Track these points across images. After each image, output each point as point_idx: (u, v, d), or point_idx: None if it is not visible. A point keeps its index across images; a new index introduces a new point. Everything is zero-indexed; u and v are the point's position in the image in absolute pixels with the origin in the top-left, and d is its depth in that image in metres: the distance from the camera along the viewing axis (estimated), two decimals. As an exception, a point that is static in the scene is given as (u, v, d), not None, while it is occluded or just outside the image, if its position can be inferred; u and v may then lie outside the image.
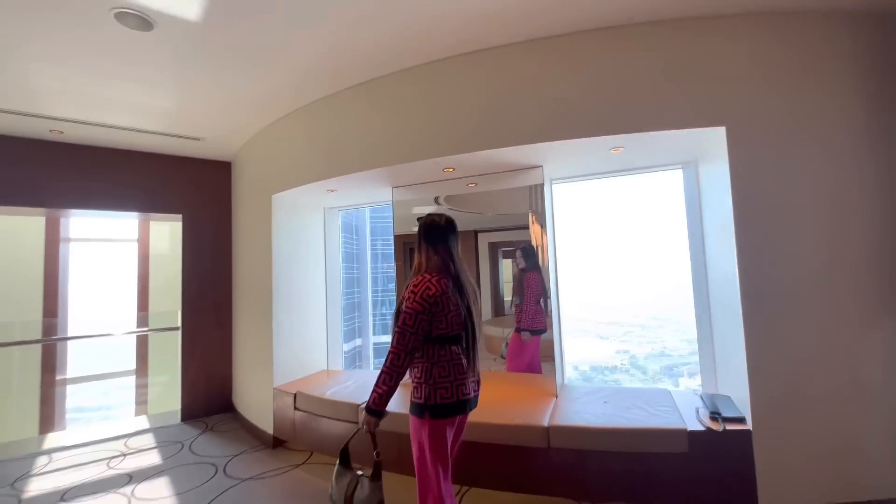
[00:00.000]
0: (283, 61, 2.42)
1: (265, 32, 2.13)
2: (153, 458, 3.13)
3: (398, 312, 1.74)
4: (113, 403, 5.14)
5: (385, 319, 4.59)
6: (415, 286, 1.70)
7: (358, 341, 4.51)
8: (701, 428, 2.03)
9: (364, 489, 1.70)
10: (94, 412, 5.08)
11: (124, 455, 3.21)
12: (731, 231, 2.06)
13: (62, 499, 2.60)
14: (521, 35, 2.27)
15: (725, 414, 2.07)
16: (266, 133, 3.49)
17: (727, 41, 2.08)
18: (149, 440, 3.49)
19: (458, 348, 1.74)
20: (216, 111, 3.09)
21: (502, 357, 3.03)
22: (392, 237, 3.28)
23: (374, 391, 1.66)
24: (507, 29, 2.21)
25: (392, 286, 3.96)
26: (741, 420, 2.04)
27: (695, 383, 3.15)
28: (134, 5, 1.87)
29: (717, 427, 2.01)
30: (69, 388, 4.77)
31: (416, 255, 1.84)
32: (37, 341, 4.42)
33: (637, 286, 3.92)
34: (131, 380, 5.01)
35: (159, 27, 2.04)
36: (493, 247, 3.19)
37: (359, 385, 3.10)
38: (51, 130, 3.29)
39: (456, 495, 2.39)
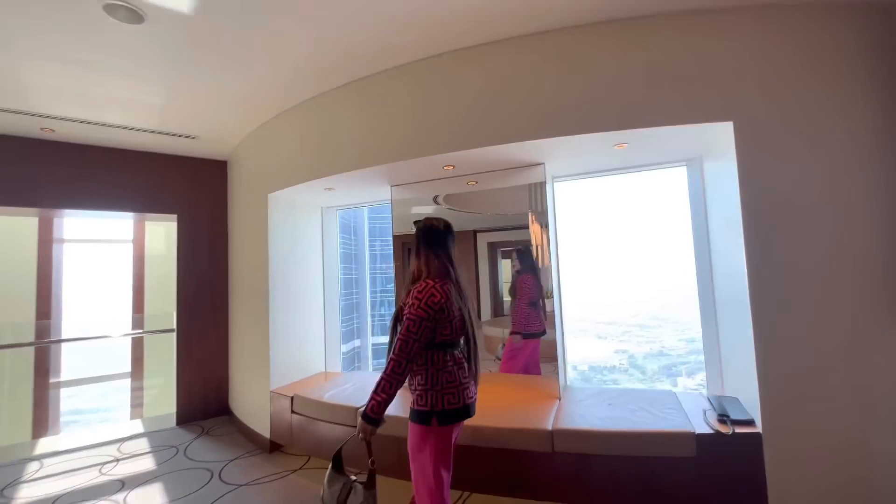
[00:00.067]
0: (274, 56, 2.37)
1: (256, 23, 2.07)
2: (147, 464, 3.06)
3: (398, 318, 1.70)
4: (110, 406, 5.07)
5: (384, 320, 4.54)
6: (419, 293, 1.65)
7: (356, 342, 4.46)
8: (709, 431, 1.97)
9: (358, 496, 1.67)
10: (91, 415, 5.01)
11: (117, 460, 3.14)
12: (739, 228, 2.00)
13: (52, 506, 2.53)
14: (520, 30, 2.22)
15: (734, 416, 2.02)
16: (261, 131, 3.43)
17: (734, 35, 2.03)
18: (143, 445, 3.42)
19: (461, 353, 1.73)
20: (209, 107, 3.02)
21: (497, 358, 2.99)
22: (391, 237, 3.23)
23: (372, 398, 1.61)
24: (505, 25, 2.16)
25: (391, 287, 3.90)
26: (750, 422, 1.99)
27: (693, 383, 3.10)
28: (123, -4, 1.81)
29: (727, 430, 1.95)
30: (64, 392, 4.70)
31: (413, 260, 1.79)
32: (29, 344, 4.33)
33: (636, 285, 3.88)
34: (126, 383, 4.94)
35: (150, 20, 1.99)
36: (493, 247, 3.14)
37: (357, 387, 3.04)
38: (42, 128, 3.22)
39: (456, 502, 2.33)
